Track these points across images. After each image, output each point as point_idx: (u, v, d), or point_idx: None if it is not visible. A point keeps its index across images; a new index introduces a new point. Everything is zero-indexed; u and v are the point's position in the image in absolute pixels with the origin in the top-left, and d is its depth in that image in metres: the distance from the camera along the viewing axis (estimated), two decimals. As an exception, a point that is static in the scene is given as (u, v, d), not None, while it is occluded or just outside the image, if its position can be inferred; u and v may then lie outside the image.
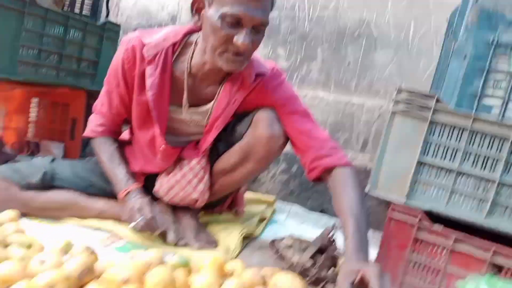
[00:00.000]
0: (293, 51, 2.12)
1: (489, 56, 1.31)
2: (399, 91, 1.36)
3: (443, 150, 1.32)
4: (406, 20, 1.92)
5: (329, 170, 1.22)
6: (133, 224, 1.22)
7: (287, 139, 1.30)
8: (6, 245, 0.97)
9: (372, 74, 1.98)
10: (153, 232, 1.24)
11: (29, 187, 1.29)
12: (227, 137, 1.34)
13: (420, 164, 1.34)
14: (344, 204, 1.11)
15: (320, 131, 1.29)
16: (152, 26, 2.38)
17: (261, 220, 1.66)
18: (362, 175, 1.91)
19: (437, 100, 1.32)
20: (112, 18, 2.41)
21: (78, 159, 1.50)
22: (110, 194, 1.38)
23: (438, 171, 1.32)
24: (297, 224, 1.77)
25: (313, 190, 2.03)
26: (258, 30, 1.10)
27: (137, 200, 1.26)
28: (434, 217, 1.29)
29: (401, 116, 1.37)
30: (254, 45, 1.12)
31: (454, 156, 1.30)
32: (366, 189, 1.39)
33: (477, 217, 1.26)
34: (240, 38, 1.06)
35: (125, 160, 1.38)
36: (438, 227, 1.23)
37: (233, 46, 1.08)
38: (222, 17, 1.06)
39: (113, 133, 1.42)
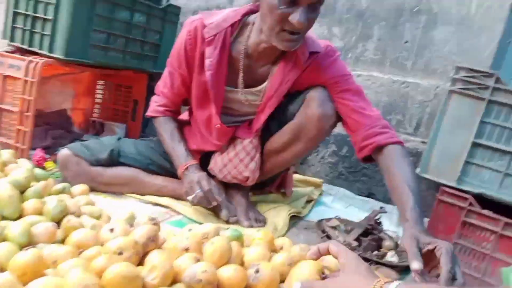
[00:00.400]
0: (348, 29, 2.08)
1: (555, 32, 1.23)
2: (458, 69, 1.32)
3: (499, 131, 1.27)
4: (470, -7, 1.81)
5: (380, 148, 1.22)
6: (192, 196, 1.31)
7: (338, 118, 1.31)
8: (79, 215, 1.08)
9: (430, 53, 1.90)
10: (209, 204, 1.32)
11: (97, 163, 1.42)
12: (279, 116, 1.37)
13: (474, 145, 1.30)
14: (399, 178, 1.10)
15: (372, 110, 1.29)
16: (210, 8, 2.44)
17: (309, 201, 1.69)
18: (414, 158, 1.87)
19: (497, 79, 1.27)
20: (172, 1, 2.51)
21: (141, 139, 1.61)
22: (169, 172, 1.48)
23: (492, 154, 1.28)
24: (344, 207, 1.78)
25: (361, 174, 2.02)
26: (313, 8, 1.11)
27: (196, 174, 1.34)
28: (485, 201, 1.26)
29: (458, 95, 1.33)
30: (310, 23, 1.13)
31: (510, 138, 1.25)
32: (417, 171, 1.38)
33: (531, 202, 1.21)
34: (296, 16, 1.07)
35: (184, 138, 1.46)
36: (487, 211, 1.20)
37: (289, 25, 1.10)
38: None
39: (173, 113, 1.50)
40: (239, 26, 1.30)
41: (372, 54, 2.04)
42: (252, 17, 1.30)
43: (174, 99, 1.46)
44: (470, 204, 1.23)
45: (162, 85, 1.46)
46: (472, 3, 1.80)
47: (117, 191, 1.46)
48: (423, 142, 1.86)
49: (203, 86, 1.34)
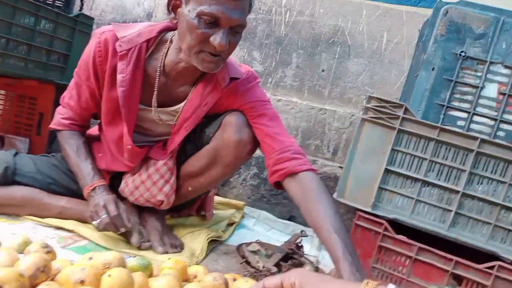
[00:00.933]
0: (268, 55, 2.12)
1: (456, 69, 1.35)
2: (369, 98, 1.38)
3: (410, 159, 1.34)
4: (380, 29, 1.95)
5: (292, 175, 1.17)
6: (97, 220, 1.19)
7: (256, 144, 1.28)
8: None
9: (345, 82, 2.00)
10: (117, 230, 1.21)
11: (-12, 181, 1.24)
12: (195, 139, 1.33)
13: (387, 172, 1.35)
14: (321, 216, 1.04)
15: (287, 136, 1.26)
16: (127, 22, 2.34)
17: (230, 224, 1.65)
18: (332, 183, 1.92)
19: (406, 110, 1.34)
20: (86, 11, 2.36)
21: (42, 155, 1.44)
22: (73, 192, 1.34)
23: (404, 181, 1.34)
24: (266, 230, 1.77)
25: (282, 196, 2.04)
26: (235, 31, 1.10)
27: (103, 197, 1.23)
28: (399, 226, 1.31)
29: (370, 124, 1.38)
30: (231, 46, 1.11)
31: (420, 166, 1.32)
32: (334, 196, 1.40)
33: (440, 228, 1.29)
34: (217, 38, 1.05)
35: (92, 155, 1.35)
36: (401, 236, 1.24)
37: (210, 46, 1.07)
38: (199, 15, 1.04)
39: (80, 127, 1.38)
40: (155, 42, 1.24)
41: (291, 80, 2.08)
42: (169, 34, 1.25)
43: (81, 113, 1.35)
44: (385, 229, 1.27)
45: (68, 97, 1.34)
46: (383, 38, 1.94)
47: (13, 212, 1.28)
48: (341, 167, 1.93)
49: (114, 103, 1.25)
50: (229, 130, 1.24)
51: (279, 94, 2.09)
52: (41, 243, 0.97)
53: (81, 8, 2.14)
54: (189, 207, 1.53)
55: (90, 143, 1.39)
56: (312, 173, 1.17)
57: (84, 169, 1.29)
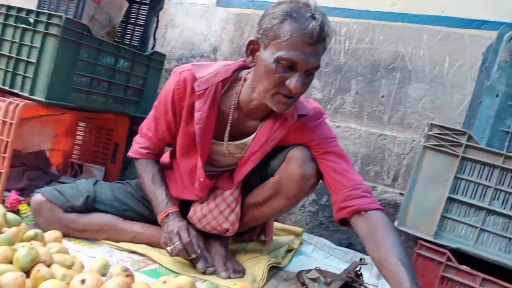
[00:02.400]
0: (327, 82, 2.16)
1: (522, 95, 1.31)
2: (431, 126, 1.37)
3: (473, 187, 1.31)
4: (441, 54, 1.92)
5: (360, 213, 1.19)
6: (171, 247, 1.27)
7: (318, 178, 1.31)
8: (50, 264, 1.04)
9: (405, 107, 1.99)
10: (188, 256, 1.29)
11: (72, 209, 1.38)
12: (260, 170, 1.38)
13: (449, 200, 1.33)
14: (388, 250, 1.07)
15: (355, 173, 1.28)
16: (195, 56, 2.50)
17: (289, 250, 1.67)
18: (392, 210, 1.89)
19: (469, 137, 1.32)
20: (158, 48, 2.56)
21: (118, 182, 1.58)
22: (147, 218, 1.46)
23: (467, 209, 1.31)
24: (324, 257, 1.77)
25: (342, 222, 2.03)
26: (310, 73, 1.14)
27: (176, 223, 1.32)
28: (463, 256, 1.27)
29: (432, 151, 1.37)
30: (304, 87, 1.14)
31: (484, 194, 1.29)
32: (395, 224, 1.39)
33: (506, 258, 1.23)
34: (293, 82, 1.09)
35: (166, 183, 1.44)
36: (465, 267, 1.21)
37: (285, 89, 1.12)
38: (278, 60, 1.09)
39: (156, 155, 1.49)
40: (230, 81, 1.31)
41: (350, 107, 2.10)
42: (243, 73, 1.31)
43: (157, 143, 1.45)
44: (448, 258, 1.24)
45: (146, 128, 1.45)
46: (445, 62, 1.91)
47: (92, 237, 1.42)
48: (401, 194, 1.90)
49: (190, 137, 1.33)
50: (294, 164, 1.29)
51: (337, 121, 2.12)
52: (121, 266, 1.06)
53: (153, 46, 2.33)
54: (250, 232, 1.59)
55: (163, 171, 1.48)
56: (381, 212, 1.19)
57: (159, 196, 1.38)
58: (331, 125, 2.02)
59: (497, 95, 1.34)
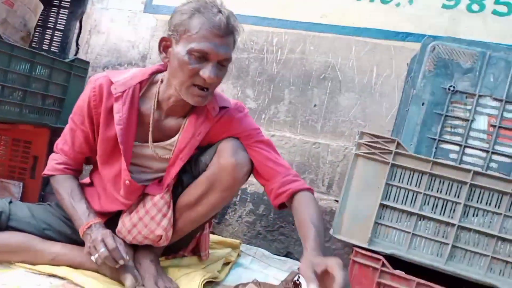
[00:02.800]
0: (261, 92, 2.15)
1: (446, 103, 1.37)
2: (362, 134, 1.39)
3: (404, 193, 1.34)
4: (369, 64, 1.99)
5: (294, 195, 1.28)
6: (95, 255, 1.19)
7: (251, 166, 1.33)
8: None
9: (337, 116, 2.03)
10: (116, 263, 1.20)
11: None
12: (191, 169, 1.36)
13: (382, 207, 1.35)
14: (305, 217, 1.17)
15: (283, 160, 1.37)
16: (122, 64, 2.38)
17: (226, 263, 1.63)
18: (328, 217, 1.91)
19: (398, 144, 1.35)
20: (81, 55, 2.41)
21: (37, 203, 1.43)
22: (68, 238, 1.33)
23: (399, 215, 1.34)
24: (263, 268, 1.74)
25: (279, 232, 2.02)
26: (222, 65, 1.19)
27: (100, 232, 1.23)
28: (397, 261, 1.30)
29: (363, 159, 1.39)
30: (219, 79, 1.20)
31: (415, 200, 1.33)
32: (330, 232, 1.40)
33: (438, 261, 1.27)
34: (207, 72, 1.14)
35: (86, 197, 1.35)
36: (400, 272, 1.23)
37: (200, 79, 1.16)
38: (190, 52, 1.14)
39: (74, 171, 1.40)
40: (147, 83, 1.31)
41: (284, 116, 2.11)
42: (160, 75, 1.33)
43: (75, 157, 1.37)
44: (383, 264, 1.26)
45: (62, 143, 1.38)
46: (373, 72, 1.98)
47: (4, 260, 1.26)
48: (336, 201, 1.92)
49: (110, 142, 1.28)
50: (225, 154, 1.28)
51: (272, 130, 2.11)
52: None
53: (76, 53, 2.18)
54: (184, 247, 1.51)
55: (83, 188, 1.39)
56: (307, 191, 1.30)
57: (79, 209, 1.29)
58: (266, 134, 2.02)
59: (423, 103, 1.39)
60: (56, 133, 1.93)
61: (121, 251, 1.20)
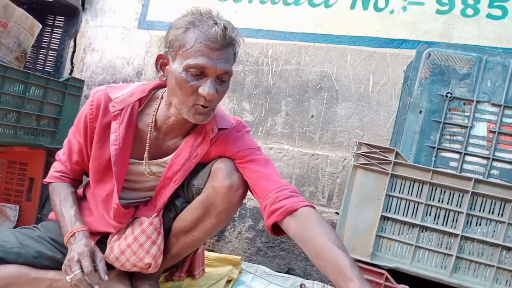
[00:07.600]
0: (257, 104, 2.13)
1: (444, 110, 1.35)
2: (360, 145, 1.37)
3: (405, 204, 1.31)
4: (365, 73, 1.97)
5: (292, 213, 1.10)
6: (70, 276, 1.11)
7: (247, 187, 1.24)
8: None
9: (334, 126, 2.00)
10: None
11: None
12: (183, 192, 1.30)
13: (383, 219, 1.32)
14: (325, 241, 1.00)
15: (280, 177, 1.21)
16: (117, 81, 2.37)
17: (228, 281, 1.59)
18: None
19: (397, 154, 1.33)
20: (76, 73, 2.40)
21: (23, 227, 1.37)
22: (59, 263, 1.26)
23: (401, 227, 1.31)
24: (264, 285, 1.71)
25: (279, 248, 1.98)
26: (222, 80, 1.12)
27: (79, 248, 1.15)
28: (401, 274, 1.26)
29: (362, 170, 1.37)
30: (219, 95, 1.13)
31: (416, 210, 1.30)
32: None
33: (442, 274, 1.24)
34: (206, 88, 1.08)
35: (78, 204, 1.31)
36: (403, 286, 1.20)
37: (201, 98, 1.10)
38: (187, 68, 1.08)
39: (72, 180, 1.37)
40: (147, 100, 1.26)
41: (281, 128, 2.09)
42: (160, 91, 1.28)
43: (72, 168, 1.35)
44: (386, 279, 1.22)
45: (61, 152, 1.37)
46: (369, 81, 1.96)
47: (1, 293, 1.22)
48: (337, 213, 1.89)
49: (103, 161, 1.24)
50: (219, 177, 1.22)
51: (270, 142, 2.09)
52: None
53: (71, 71, 2.17)
54: (179, 269, 1.47)
55: (78, 197, 1.36)
56: (311, 208, 1.12)
57: (66, 216, 1.25)
58: (263, 147, 1.99)
59: (420, 111, 1.37)
60: (52, 153, 1.90)
61: (100, 271, 1.13)
